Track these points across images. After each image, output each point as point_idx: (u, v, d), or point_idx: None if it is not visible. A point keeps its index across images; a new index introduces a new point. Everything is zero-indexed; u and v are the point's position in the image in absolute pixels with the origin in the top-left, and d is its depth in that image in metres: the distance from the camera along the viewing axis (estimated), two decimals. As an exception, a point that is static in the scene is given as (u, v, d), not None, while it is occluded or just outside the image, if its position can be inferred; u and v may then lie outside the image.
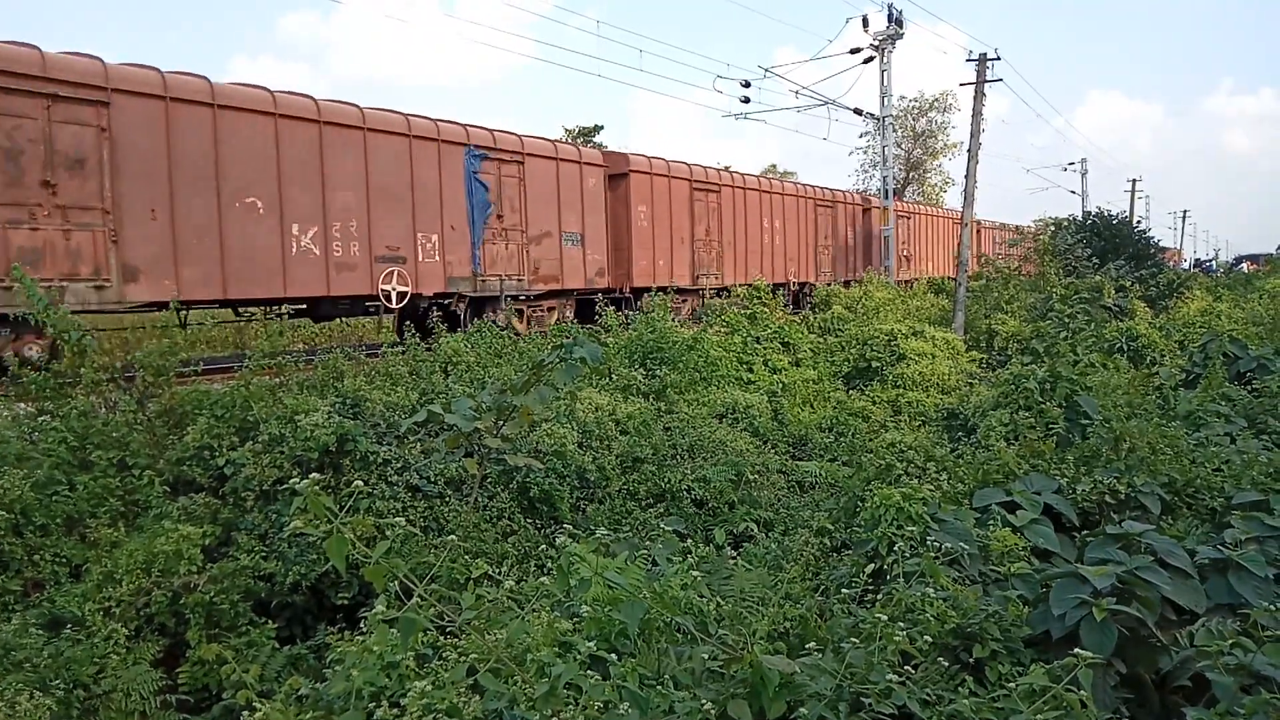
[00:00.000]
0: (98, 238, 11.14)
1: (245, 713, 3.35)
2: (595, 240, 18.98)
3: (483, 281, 16.27)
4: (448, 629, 3.51)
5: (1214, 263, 65.86)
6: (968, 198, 25.47)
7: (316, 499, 2.79)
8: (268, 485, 7.11)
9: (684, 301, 21.60)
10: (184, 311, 12.60)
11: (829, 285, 26.57)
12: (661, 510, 8.83)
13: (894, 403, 15.55)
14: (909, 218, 33.90)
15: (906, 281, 31.18)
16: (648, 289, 19.73)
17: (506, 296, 16.74)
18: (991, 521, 5.57)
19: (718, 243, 22.73)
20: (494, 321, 15.43)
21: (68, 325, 7.99)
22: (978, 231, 38.34)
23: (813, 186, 28.21)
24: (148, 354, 8.26)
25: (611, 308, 16.88)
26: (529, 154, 17.33)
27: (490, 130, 16.79)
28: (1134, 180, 60.71)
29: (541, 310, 18.05)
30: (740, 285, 22.27)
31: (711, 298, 21.65)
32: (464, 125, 16.18)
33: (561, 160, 18.18)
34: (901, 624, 3.69)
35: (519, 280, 17.10)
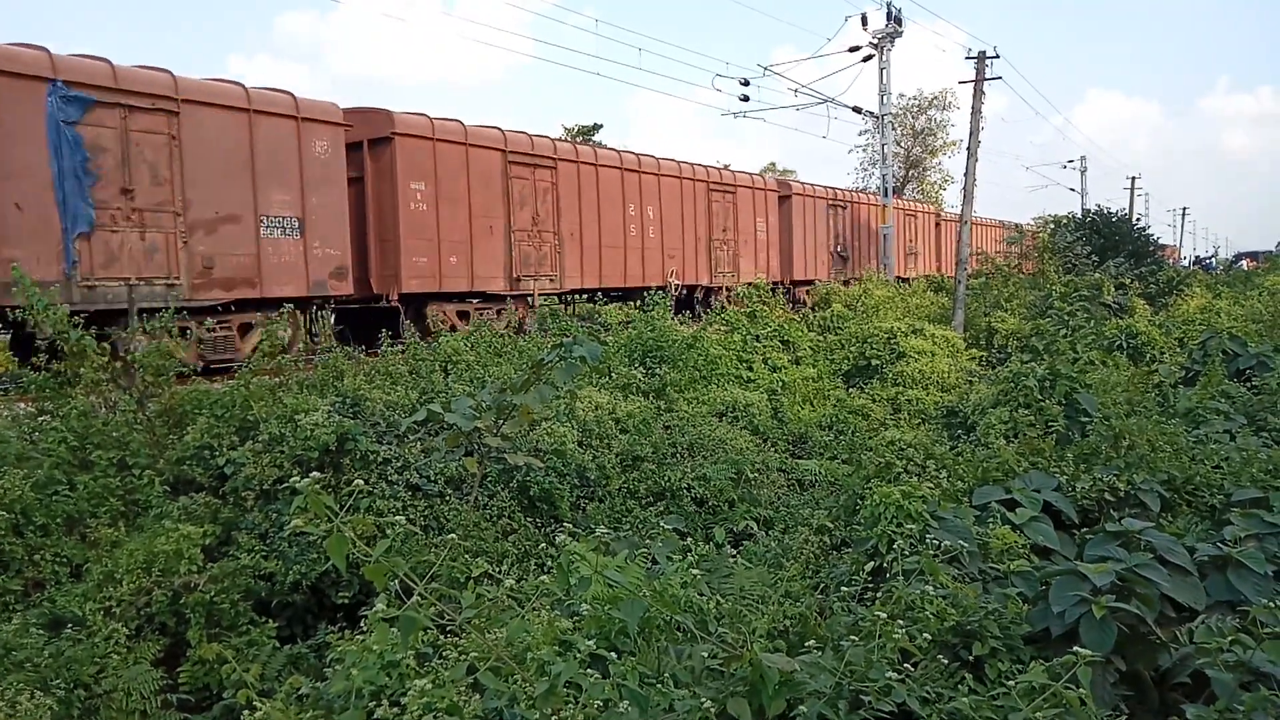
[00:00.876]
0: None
1: (246, 712, 3.36)
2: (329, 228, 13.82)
3: (88, 288, 10.98)
4: (448, 628, 3.51)
5: (1214, 260, 65.91)
6: (967, 196, 25.48)
7: (317, 498, 2.79)
8: (268, 485, 7.11)
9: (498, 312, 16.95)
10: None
11: (733, 288, 23.06)
12: (661, 509, 8.83)
13: (893, 400, 15.55)
14: (845, 206, 30.06)
15: (846, 280, 28.44)
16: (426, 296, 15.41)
17: (141, 309, 11.25)
18: (991, 519, 5.58)
19: (554, 234, 18.01)
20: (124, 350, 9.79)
21: (66, 325, 7.99)
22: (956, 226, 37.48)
23: (707, 166, 23.93)
24: (147, 354, 8.27)
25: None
26: (187, 99, 11.95)
27: (96, 59, 11.41)
28: (1133, 178, 60.81)
29: (231, 329, 12.62)
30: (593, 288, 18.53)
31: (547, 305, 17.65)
32: (47, 51, 10.94)
33: (258, 113, 12.82)
34: (901, 622, 3.69)
35: (168, 284, 11.79)
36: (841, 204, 29.68)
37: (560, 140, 19.49)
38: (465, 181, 16.08)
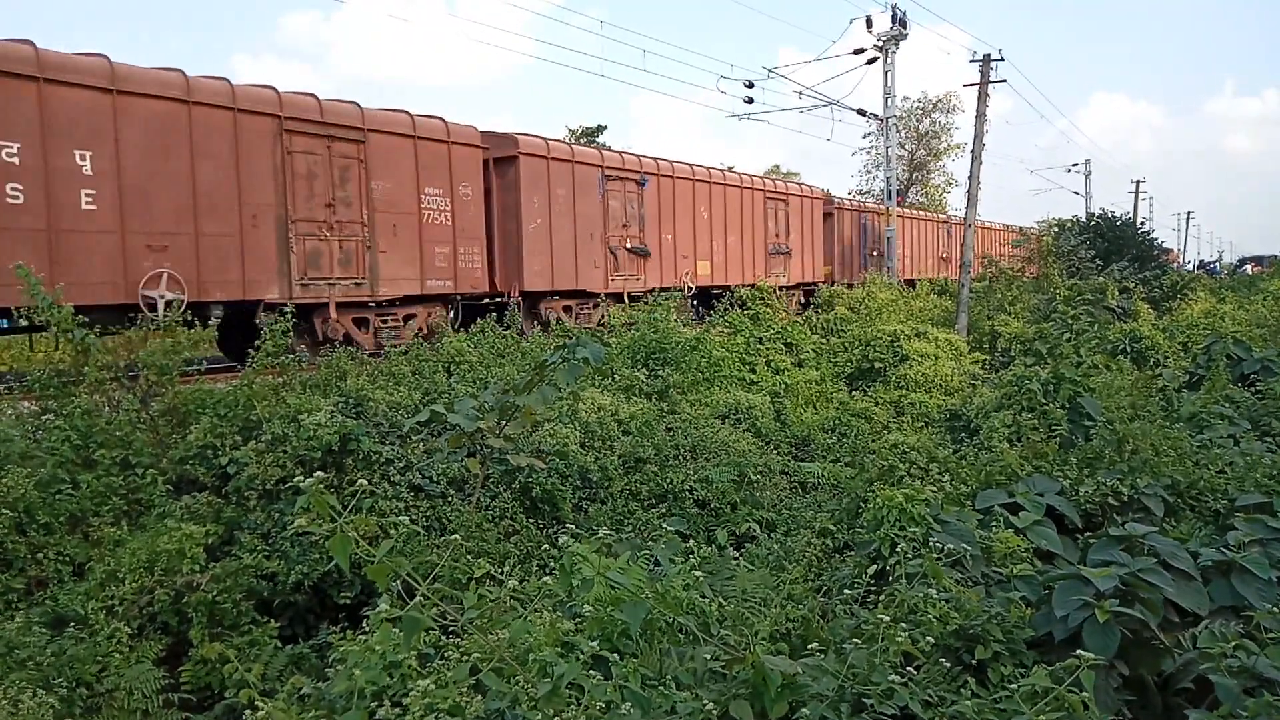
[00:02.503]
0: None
1: (247, 712, 3.36)
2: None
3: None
4: (450, 628, 3.51)
5: (1218, 264, 65.80)
6: (971, 198, 25.46)
7: (320, 497, 2.80)
8: (270, 484, 7.11)
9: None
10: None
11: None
12: (664, 511, 8.83)
13: (897, 404, 15.52)
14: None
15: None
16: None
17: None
18: (994, 523, 5.57)
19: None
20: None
21: (70, 324, 8.00)
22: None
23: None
24: (151, 353, 8.28)
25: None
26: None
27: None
28: (1138, 182, 60.76)
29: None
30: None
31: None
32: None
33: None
34: (904, 625, 3.69)
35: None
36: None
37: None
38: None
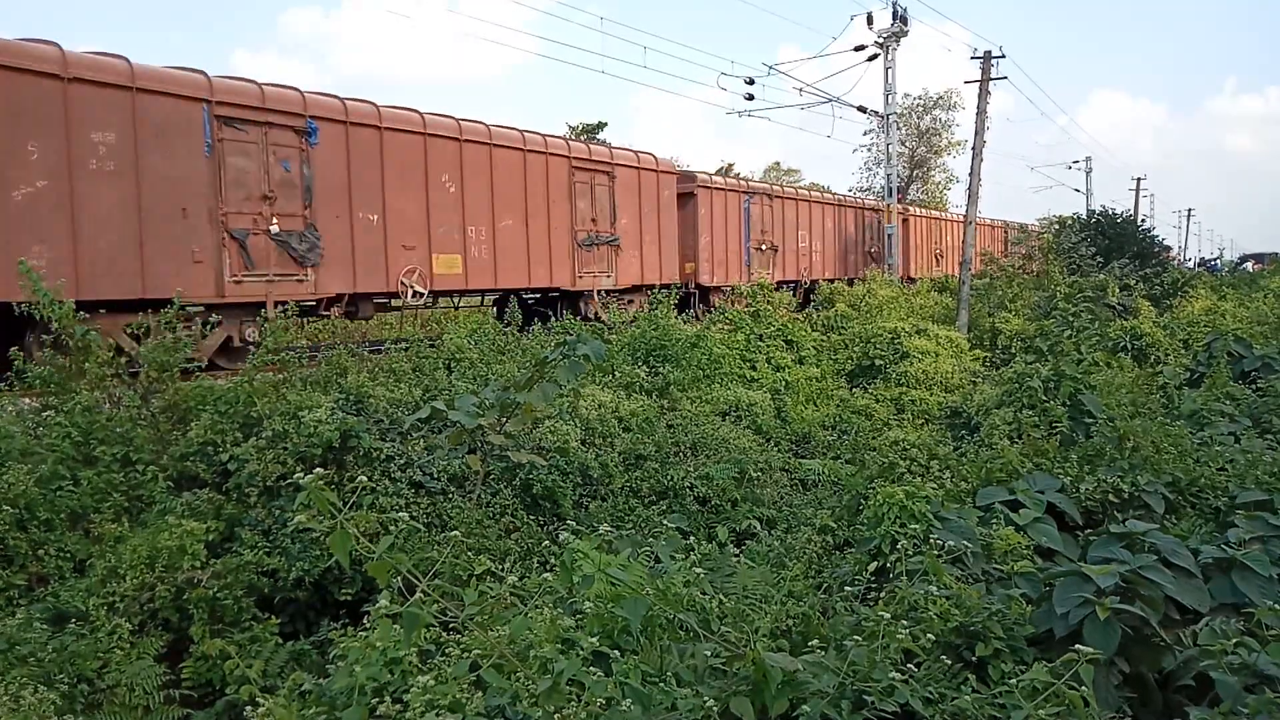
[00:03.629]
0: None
1: (248, 708, 3.37)
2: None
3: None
4: (450, 625, 3.51)
5: (1218, 262, 65.79)
6: (971, 196, 25.45)
7: (321, 493, 2.80)
8: (271, 481, 7.12)
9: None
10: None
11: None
12: (664, 507, 8.83)
13: (897, 401, 15.54)
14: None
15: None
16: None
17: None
18: (995, 520, 5.57)
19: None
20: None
21: (72, 321, 8.00)
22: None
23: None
24: (152, 350, 8.28)
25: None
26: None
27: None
28: (1139, 179, 60.76)
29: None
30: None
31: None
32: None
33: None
34: (904, 622, 3.69)
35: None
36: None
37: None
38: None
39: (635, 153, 20.55)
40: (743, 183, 25.90)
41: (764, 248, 24.91)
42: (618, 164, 19.32)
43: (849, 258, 30.14)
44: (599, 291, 18.75)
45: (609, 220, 19.22)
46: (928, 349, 17.51)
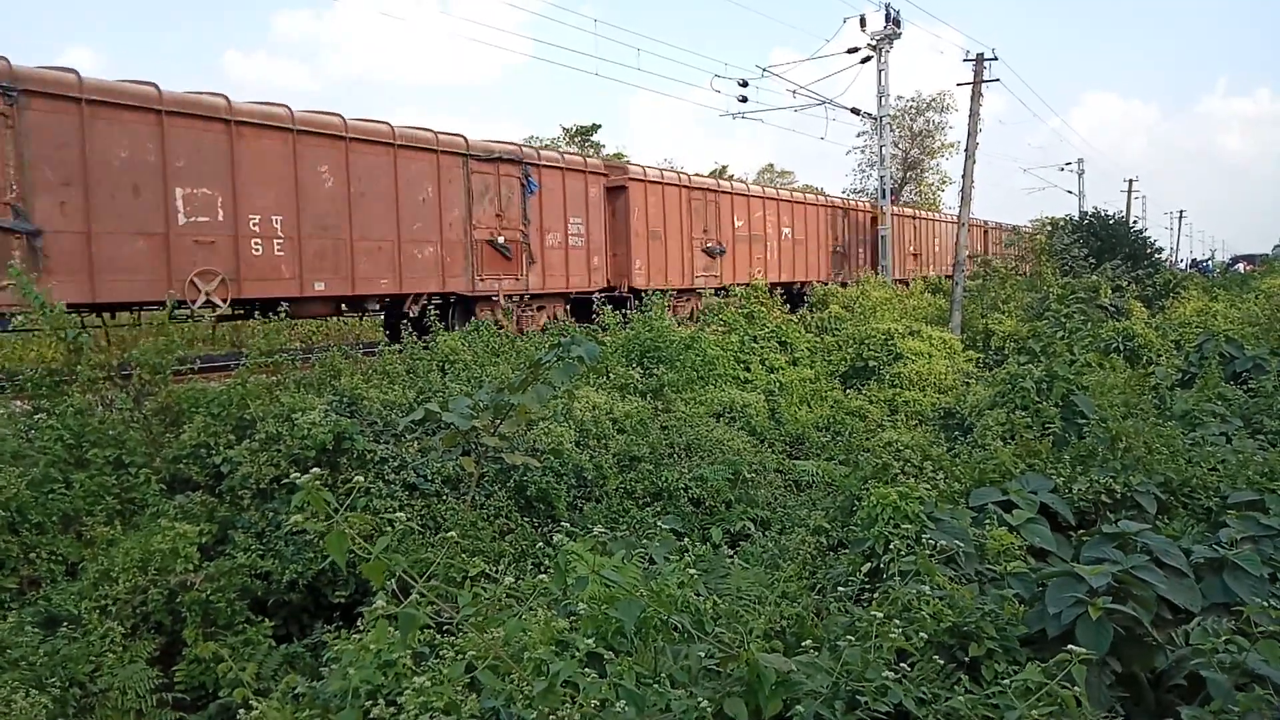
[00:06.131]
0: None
1: (241, 711, 3.35)
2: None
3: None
4: (445, 626, 3.51)
5: (1209, 263, 66.06)
6: (964, 198, 25.52)
7: (316, 494, 2.79)
8: (264, 483, 7.10)
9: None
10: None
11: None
12: (658, 509, 8.82)
13: (891, 402, 15.55)
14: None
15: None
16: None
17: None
18: (988, 520, 5.59)
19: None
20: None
21: (64, 323, 7.98)
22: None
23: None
24: (144, 352, 8.25)
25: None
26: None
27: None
28: (1131, 181, 60.96)
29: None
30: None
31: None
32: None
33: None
34: (897, 622, 3.70)
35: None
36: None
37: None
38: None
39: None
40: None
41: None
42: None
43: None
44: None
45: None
46: (921, 350, 17.53)
